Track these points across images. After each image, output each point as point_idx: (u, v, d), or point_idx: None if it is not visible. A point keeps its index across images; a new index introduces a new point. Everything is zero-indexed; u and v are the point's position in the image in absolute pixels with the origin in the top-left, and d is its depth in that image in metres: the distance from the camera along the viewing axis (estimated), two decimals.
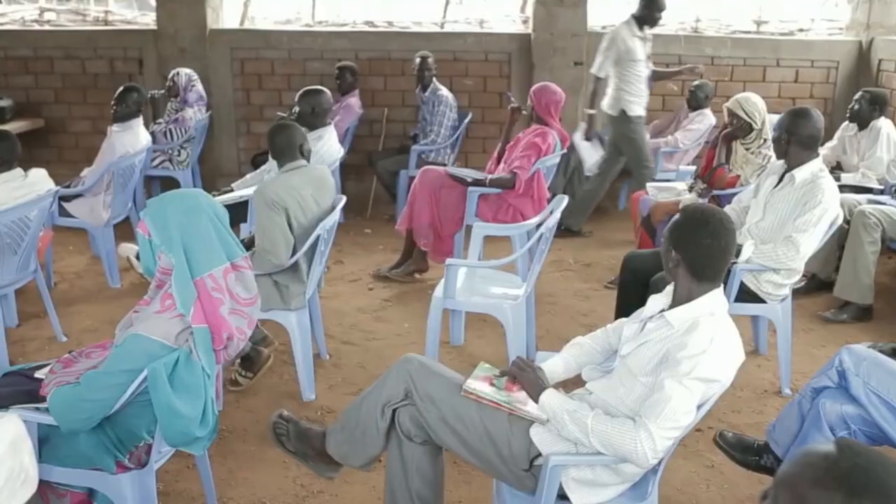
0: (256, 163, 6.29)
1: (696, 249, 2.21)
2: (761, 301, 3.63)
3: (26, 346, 4.15)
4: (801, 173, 3.56)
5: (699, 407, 2.14)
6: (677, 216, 2.30)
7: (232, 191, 4.87)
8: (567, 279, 5.19)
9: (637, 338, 2.28)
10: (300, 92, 4.78)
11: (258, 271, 2.98)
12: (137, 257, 4.81)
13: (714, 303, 2.22)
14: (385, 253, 5.54)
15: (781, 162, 3.72)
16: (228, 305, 2.25)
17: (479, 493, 2.96)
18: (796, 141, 3.54)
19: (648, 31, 5.65)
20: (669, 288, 2.37)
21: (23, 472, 1.59)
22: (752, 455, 2.86)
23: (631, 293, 3.75)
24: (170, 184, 6.22)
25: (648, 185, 5.22)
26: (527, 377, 2.33)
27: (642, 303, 3.37)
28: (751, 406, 3.62)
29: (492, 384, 2.37)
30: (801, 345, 4.07)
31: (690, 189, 4.76)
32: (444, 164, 5.94)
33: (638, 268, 3.78)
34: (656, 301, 2.35)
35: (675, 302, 2.26)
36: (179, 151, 6.08)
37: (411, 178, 5.69)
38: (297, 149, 3.60)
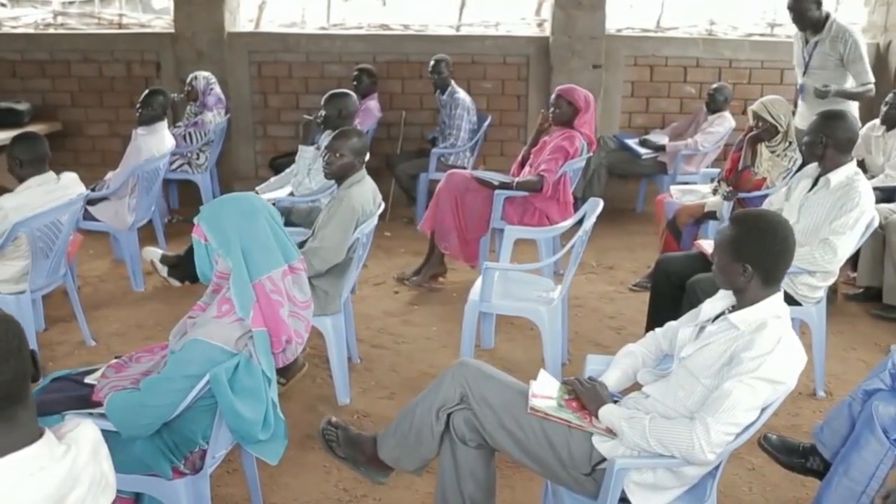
0: (275, 166, 6.28)
1: (768, 258, 2.22)
2: (796, 303, 3.62)
3: (55, 350, 4.14)
4: (837, 176, 3.55)
5: (763, 410, 2.13)
6: (735, 228, 2.26)
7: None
8: (591, 282, 5.19)
9: (697, 340, 2.28)
10: (326, 95, 4.78)
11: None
12: (161, 261, 4.79)
13: (778, 306, 2.22)
14: (406, 256, 5.53)
15: (815, 165, 3.71)
16: (287, 308, 2.24)
17: (523, 497, 2.96)
18: (833, 144, 3.52)
19: (816, 37, 5.10)
20: (722, 292, 2.37)
21: (103, 478, 1.57)
22: (797, 457, 2.85)
23: (664, 296, 3.76)
24: (188, 187, 6.24)
25: (673, 187, 5.22)
26: (586, 393, 2.35)
27: (676, 305, 3.42)
28: (786, 408, 3.59)
29: (551, 398, 2.37)
30: (832, 347, 4.05)
31: (715, 192, 4.76)
32: (465, 168, 5.93)
33: (671, 271, 3.79)
34: (713, 304, 2.35)
35: (740, 305, 2.26)
36: (198, 155, 6.06)
37: (432, 181, 5.68)
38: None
